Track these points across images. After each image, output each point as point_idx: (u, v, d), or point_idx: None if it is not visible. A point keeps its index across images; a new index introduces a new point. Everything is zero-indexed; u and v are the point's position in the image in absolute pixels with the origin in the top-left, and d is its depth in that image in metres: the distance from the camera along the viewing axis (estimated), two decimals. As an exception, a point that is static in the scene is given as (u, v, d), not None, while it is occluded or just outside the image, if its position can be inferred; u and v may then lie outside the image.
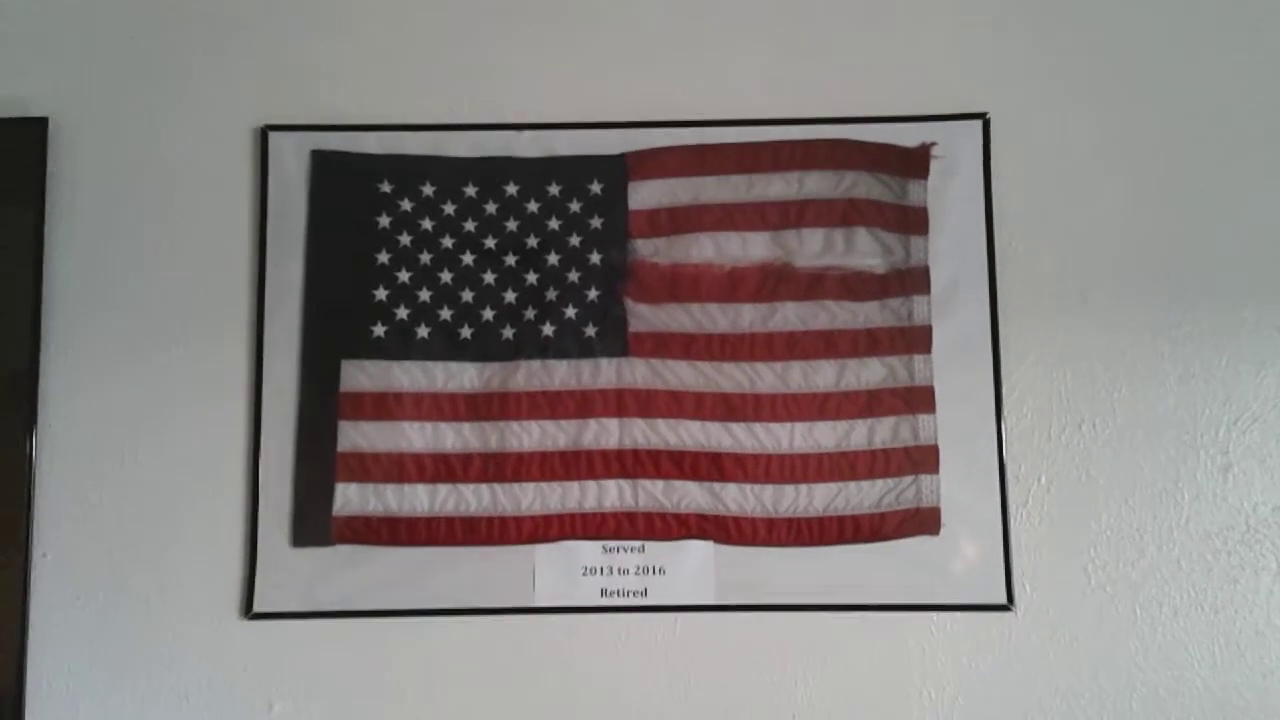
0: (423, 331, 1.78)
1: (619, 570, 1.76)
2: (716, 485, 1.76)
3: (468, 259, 1.81)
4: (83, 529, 1.76)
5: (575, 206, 1.82)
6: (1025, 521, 1.76)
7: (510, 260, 1.81)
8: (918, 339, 1.78)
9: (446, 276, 1.80)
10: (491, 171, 1.83)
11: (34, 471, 1.75)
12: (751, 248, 1.81)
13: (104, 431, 1.78)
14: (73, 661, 1.74)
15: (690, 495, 1.76)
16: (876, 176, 1.82)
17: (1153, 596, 1.75)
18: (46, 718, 1.73)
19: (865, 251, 1.80)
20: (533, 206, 1.82)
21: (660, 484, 1.76)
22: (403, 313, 1.79)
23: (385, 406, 1.76)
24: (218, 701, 1.74)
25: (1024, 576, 1.75)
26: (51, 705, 1.73)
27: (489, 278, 1.81)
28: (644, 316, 1.80)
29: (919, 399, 1.77)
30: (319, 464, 1.75)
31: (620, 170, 1.82)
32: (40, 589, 1.74)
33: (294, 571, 1.74)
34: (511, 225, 1.82)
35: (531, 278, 1.81)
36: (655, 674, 1.75)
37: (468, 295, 1.80)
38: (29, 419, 1.75)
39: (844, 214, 1.81)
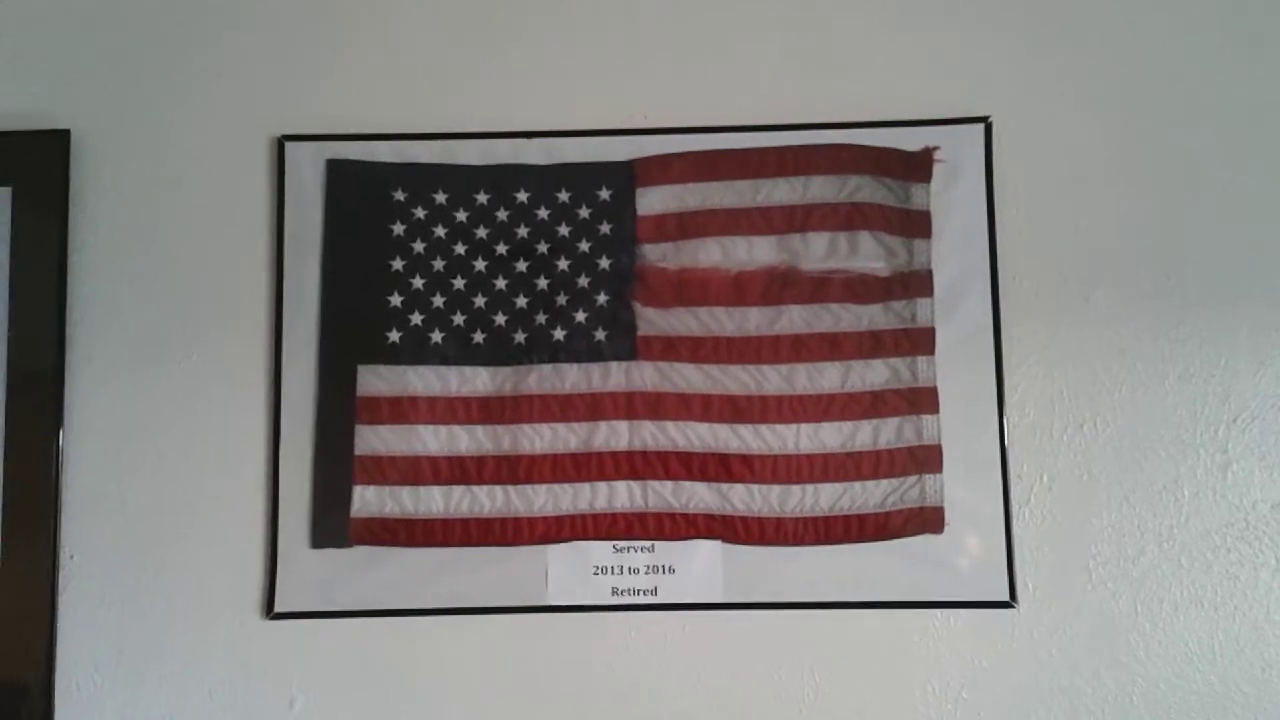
0: (436, 337, 1.82)
1: (629, 569, 1.79)
2: (724, 486, 1.79)
3: (480, 265, 1.84)
4: (108, 531, 1.80)
5: (584, 213, 1.85)
6: (1027, 520, 1.78)
7: (521, 266, 1.84)
8: (921, 340, 1.80)
9: (459, 283, 1.83)
10: (502, 179, 1.85)
11: (60, 474, 1.79)
12: (757, 252, 1.83)
13: (127, 435, 1.82)
14: (100, 660, 1.78)
15: (699, 496, 1.79)
16: (880, 180, 1.83)
17: (1153, 593, 1.77)
18: (75, 715, 1.77)
19: (869, 255, 1.82)
20: (543, 213, 1.85)
21: (669, 485, 1.79)
22: (417, 318, 1.82)
23: (401, 410, 1.79)
24: (240, 698, 1.78)
25: (1026, 574, 1.77)
26: (80, 703, 1.78)
27: (500, 283, 1.84)
28: (652, 320, 1.82)
29: (923, 400, 1.79)
30: (337, 467, 1.79)
31: (628, 177, 1.85)
32: (68, 589, 1.79)
33: (313, 572, 1.78)
34: (522, 231, 1.85)
35: (542, 283, 1.84)
36: (665, 670, 1.78)
37: (480, 301, 1.83)
38: (55, 422, 1.79)
39: (848, 218, 1.83)
